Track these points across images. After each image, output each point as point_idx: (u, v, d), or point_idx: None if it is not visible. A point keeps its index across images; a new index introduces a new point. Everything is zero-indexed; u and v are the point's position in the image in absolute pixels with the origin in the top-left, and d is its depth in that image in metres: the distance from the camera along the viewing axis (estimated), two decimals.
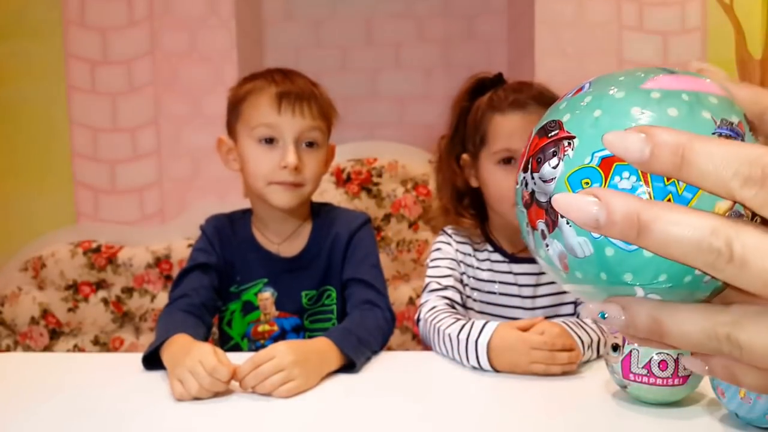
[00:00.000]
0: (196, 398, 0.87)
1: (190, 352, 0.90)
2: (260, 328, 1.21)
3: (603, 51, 1.89)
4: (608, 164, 0.29)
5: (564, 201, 0.27)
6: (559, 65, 1.89)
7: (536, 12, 1.89)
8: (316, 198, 1.76)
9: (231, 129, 1.20)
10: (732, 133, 0.28)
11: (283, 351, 0.90)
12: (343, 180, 1.81)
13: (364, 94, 2.23)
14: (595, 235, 0.29)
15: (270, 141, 1.13)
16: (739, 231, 0.24)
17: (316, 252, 1.22)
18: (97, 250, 1.80)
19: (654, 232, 0.25)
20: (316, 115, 1.15)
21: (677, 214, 0.25)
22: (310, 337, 1.11)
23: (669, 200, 0.27)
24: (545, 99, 1.11)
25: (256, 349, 1.05)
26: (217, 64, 1.90)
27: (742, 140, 0.28)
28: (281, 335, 1.20)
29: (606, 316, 0.28)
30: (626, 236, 0.26)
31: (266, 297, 1.20)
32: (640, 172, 0.28)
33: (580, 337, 0.96)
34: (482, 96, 1.18)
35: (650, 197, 0.28)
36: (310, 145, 1.16)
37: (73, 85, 1.96)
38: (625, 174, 0.28)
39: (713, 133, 0.28)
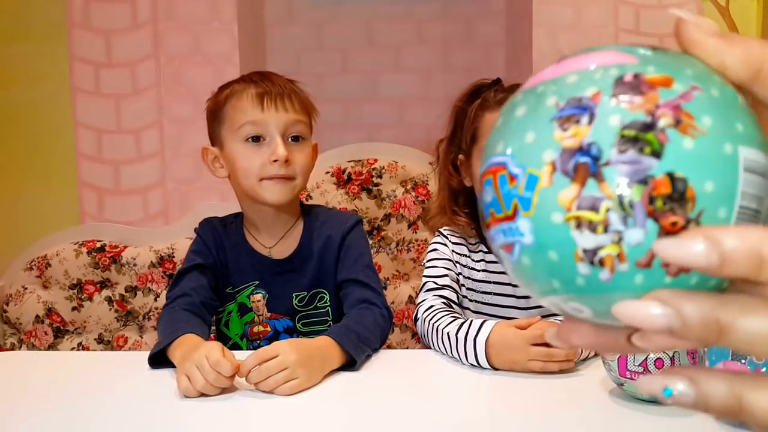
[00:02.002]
0: (203, 394, 0.88)
1: (199, 347, 0.91)
2: (255, 329, 1.22)
3: None
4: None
5: (628, 312, 0.24)
6: None
7: (534, 15, 1.91)
8: (318, 199, 1.79)
9: (215, 137, 1.21)
10: (577, 110, 0.25)
11: (286, 350, 0.91)
12: (343, 180, 1.83)
13: (364, 96, 2.24)
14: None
15: (257, 139, 1.14)
16: None
17: (307, 254, 1.22)
18: (101, 249, 1.82)
19: (737, 332, 0.23)
20: (298, 109, 1.16)
21: (759, 313, 0.23)
22: None
23: (515, 205, 0.26)
24: None
25: (255, 349, 1.07)
26: (219, 67, 1.92)
27: (592, 112, 0.25)
28: (274, 336, 1.21)
29: (672, 393, 0.25)
30: (705, 340, 0.24)
31: (258, 299, 1.22)
32: (494, 184, 0.27)
33: None
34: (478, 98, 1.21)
35: (501, 201, 0.27)
36: (296, 139, 1.17)
37: (77, 86, 1.97)
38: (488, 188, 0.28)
39: (552, 119, 0.26)
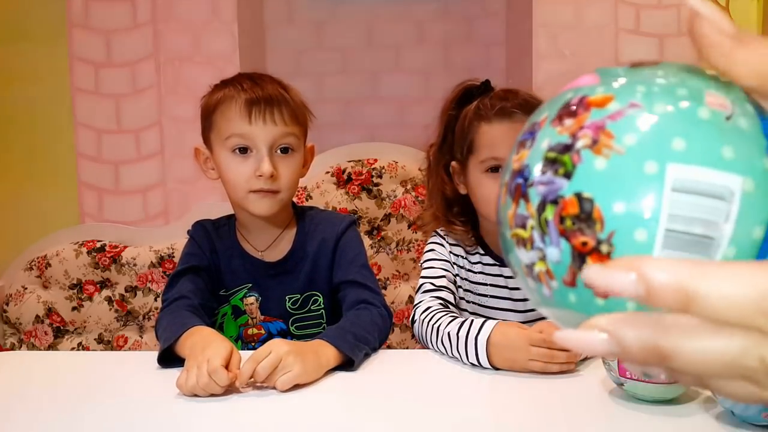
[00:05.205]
0: (194, 395, 0.88)
1: (209, 346, 0.91)
2: (249, 332, 1.22)
3: (600, 53, 1.91)
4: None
5: (571, 339, 0.25)
6: (556, 67, 1.91)
7: (534, 15, 1.91)
8: (317, 199, 1.79)
9: (206, 138, 1.20)
10: (528, 135, 0.26)
11: (278, 344, 0.92)
12: (343, 180, 1.83)
13: (364, 96, 2.24)
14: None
15: (244, 150, 1.13)
16: None
17: (300, 256, 1.21)
18: (101, 249, 1.82)
19: (679, 359, 0.23)
20: (288, 120, 1.13)
21: (699, 338, 0.22)
22: None
23: None
24: (531, 107, 1.10)
25: (249, 350, 1.06)
26: (219, 67, 1.91)
27: (534, 137, 0.25)
28: (268, 339, 1.21)
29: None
30: (651, 365, 0.23)
31: (251, 302, 1.21)
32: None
33: None
34: (469, 104, 1.19)
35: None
36: (285, 150, 1.14)
37: (77, 86, 1.97)
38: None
39: (517, 143, 0.27)
